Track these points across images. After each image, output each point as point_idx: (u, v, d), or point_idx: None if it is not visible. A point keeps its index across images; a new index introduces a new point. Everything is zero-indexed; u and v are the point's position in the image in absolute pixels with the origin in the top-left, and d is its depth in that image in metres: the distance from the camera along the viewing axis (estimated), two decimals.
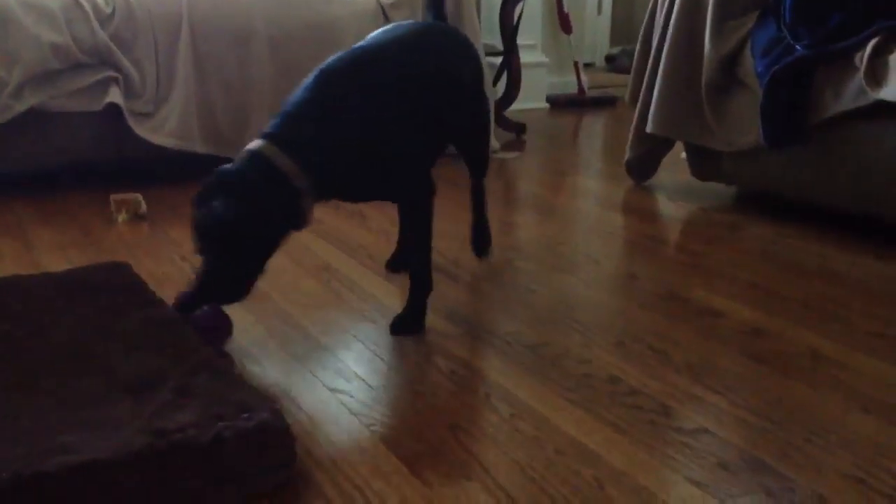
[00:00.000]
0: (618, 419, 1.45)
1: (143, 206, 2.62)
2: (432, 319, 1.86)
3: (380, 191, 1.79)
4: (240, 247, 1.58)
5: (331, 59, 1.73)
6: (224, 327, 1.72)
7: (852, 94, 2.32)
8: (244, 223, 1.55)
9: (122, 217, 2.58)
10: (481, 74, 2.11)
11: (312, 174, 1.61)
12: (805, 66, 2.39)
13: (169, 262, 2.23)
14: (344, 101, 1.66)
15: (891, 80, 2.22)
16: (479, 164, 2.20)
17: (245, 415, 1.25)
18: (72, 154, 2.93)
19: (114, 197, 2.62)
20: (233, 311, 1.72)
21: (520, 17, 4.03)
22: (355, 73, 1.70)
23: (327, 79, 1.68)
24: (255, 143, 1.62)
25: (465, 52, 1.99)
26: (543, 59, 4.86)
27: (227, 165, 1.62)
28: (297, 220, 1.64)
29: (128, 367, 1.41)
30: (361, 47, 1.78)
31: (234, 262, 1.59)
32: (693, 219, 2.73)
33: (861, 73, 2.27)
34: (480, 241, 2.24)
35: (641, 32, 3.03)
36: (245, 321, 1.83)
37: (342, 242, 2.38)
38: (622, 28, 6.42)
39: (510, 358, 1.69)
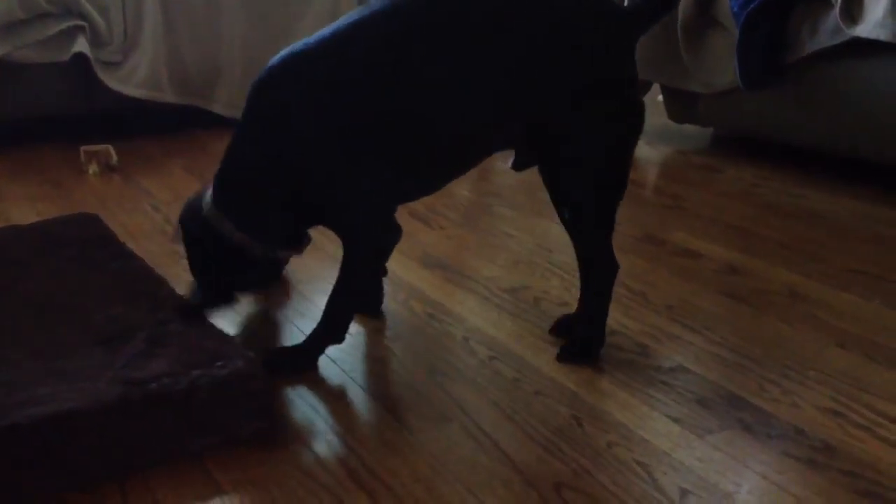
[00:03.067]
0: (596, 359, 1.45)
1: (114, 157, 2.57)
2: (410, 265, 1.84)
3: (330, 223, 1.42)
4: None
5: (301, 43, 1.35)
6: None
7: (828, 31, 2.30)
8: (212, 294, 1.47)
9: (92, 169, 2.54)
10: (603, 59, 1.33)
11: (251, 230, 1.39)
12: (781, 4, 2.37)
13: (141, 212, 2.20)
14: (274, 122, 1.33)
15: (866, 17, 2.20)
16: (578, 211, 1.41)
17: (219, 363, 1.23)
18: (40, 106, 2.87)
19: (84, 148, 2.58)
20: None
21: None
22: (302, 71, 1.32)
23: (262, 88, 1.35)
24: (205, 202, 1.42)
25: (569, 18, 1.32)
26: None
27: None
28: (261, 262, 1.43)
29: (100, 317, 1.39)
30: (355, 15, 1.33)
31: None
32: (670, 161, 2.72)
33: (836, 11, 2.25)
34: (584, 343, 1.47)
35: None
36: None
37: None
38: None
39: (489, 302, 1.68)
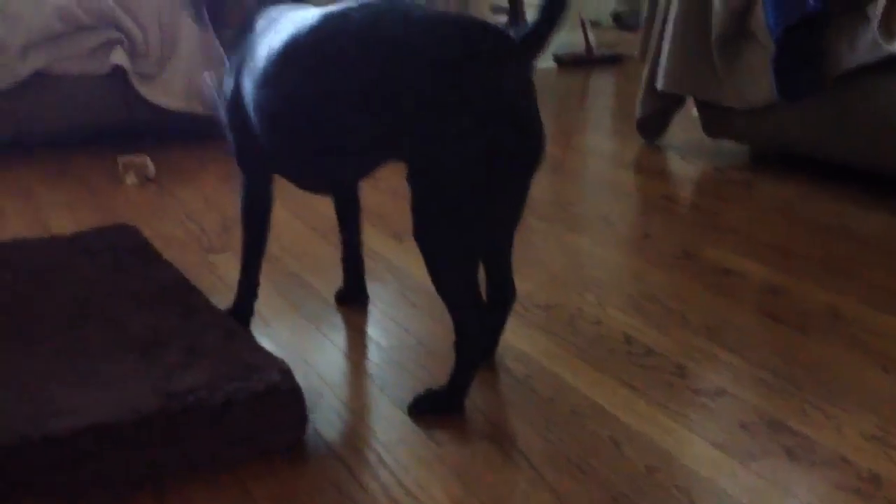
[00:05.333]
0: (634, 379, 1.43)
1: (151, 168, 2.59)
2: None
3: None
4: None
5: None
6: None
7: (867, 46, 2.27)
8: None
9: (129, 179, 2.56)
10: (430, 91, 1.26)
11: None
12: (818, 17, 2.34)
13: (176, 223, 2.21)
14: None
15: None
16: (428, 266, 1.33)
17: (256, 376, 1.23)
18: (79, 117, 2.90)
19: (121, 159, 2.60)
20: None
21: None
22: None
23: None
24: None
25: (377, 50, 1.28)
26: None
27: None
28: None
29: (135, 325, 1.39)
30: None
31: None
32: (706, 177, 2.69)
33: (875, 25, 2.22)
34: (438, 394, 1.37)
35: None
36: None
37: None
38: None
39: (524, 319, 1.66)
